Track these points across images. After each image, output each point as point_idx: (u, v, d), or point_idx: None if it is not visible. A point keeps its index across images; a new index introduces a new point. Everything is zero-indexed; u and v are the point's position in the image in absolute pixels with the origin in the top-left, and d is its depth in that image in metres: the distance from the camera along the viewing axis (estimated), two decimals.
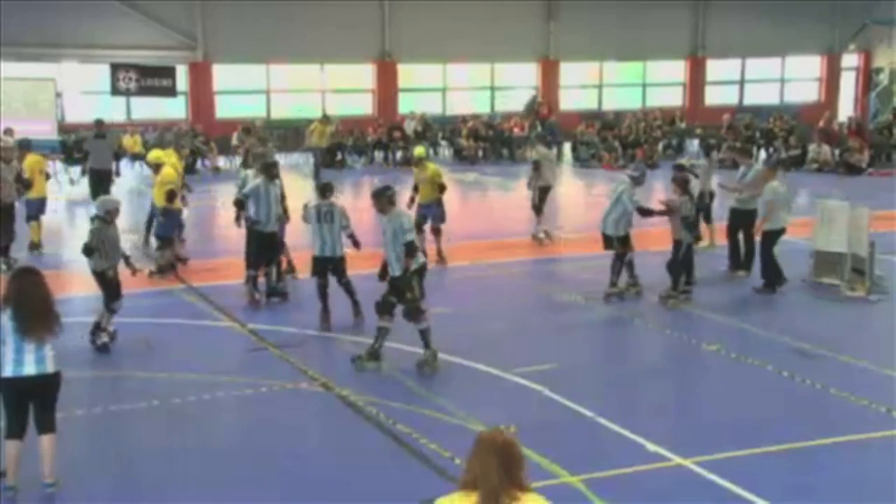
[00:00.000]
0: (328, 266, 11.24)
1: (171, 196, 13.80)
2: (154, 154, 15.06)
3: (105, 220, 10.31)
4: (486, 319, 11.98)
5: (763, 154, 29.26)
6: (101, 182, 18.18)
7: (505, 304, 12.86)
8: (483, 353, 10.28)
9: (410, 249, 9.62)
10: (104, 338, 10.44)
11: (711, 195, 15.14)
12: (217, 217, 20.04)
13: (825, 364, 10.04)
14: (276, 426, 8.49)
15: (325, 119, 26.88)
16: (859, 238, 12.77)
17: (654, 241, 14.67)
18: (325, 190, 11.48)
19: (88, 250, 10.23)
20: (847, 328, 11.65)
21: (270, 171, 12.46)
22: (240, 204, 12.57)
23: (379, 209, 9.85)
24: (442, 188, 14.67)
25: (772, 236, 12.93)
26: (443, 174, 15.04)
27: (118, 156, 24.29)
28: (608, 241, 12.55)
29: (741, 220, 13.74)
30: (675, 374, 10.37)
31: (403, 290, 9.65)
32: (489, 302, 13.03)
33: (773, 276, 12.84)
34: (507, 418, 8.30)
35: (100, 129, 19.39)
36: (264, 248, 12.27)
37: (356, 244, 11.31)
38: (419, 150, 15.97)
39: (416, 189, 14.84)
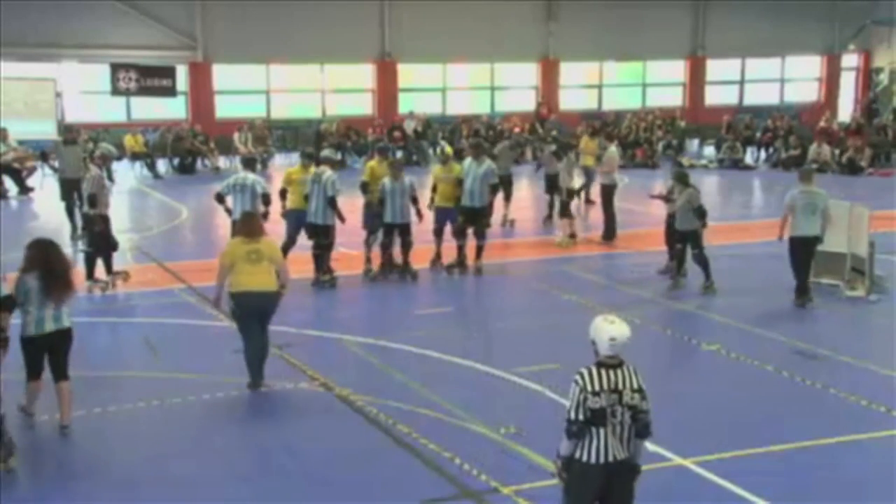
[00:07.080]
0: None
1: None
2: None
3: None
4: (486, 319, 11.96)
5: (763, 154, 29.31)
6: (71, 192, 16.77)
7: (505, 304, 12.88)
8: (483, 353, 10.29)
9: (495, 188, 14.45)
10: None
11: None
12: (217, 216, 20.00)
13: (825, 364, 10.04)
14: (276, 426, 8.49)
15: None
16: (859, 238, 12.76)
17: (654, 240, 14.70)
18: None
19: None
20: (847, 328, 11.64)
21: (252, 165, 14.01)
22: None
23: (473, 156, 14.09)
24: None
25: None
26: None
27: (106, 158, 23.92)
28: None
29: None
30: (675, 374, 10.37)
31: (481, 217, 13.91)
32: (489, 301, 13.04)
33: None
34: (507, 418, 8.35)
35: (69, 135, 18.39)
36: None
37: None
38: (448, 150, 15.85)
39: (434, 190, 14.15)
